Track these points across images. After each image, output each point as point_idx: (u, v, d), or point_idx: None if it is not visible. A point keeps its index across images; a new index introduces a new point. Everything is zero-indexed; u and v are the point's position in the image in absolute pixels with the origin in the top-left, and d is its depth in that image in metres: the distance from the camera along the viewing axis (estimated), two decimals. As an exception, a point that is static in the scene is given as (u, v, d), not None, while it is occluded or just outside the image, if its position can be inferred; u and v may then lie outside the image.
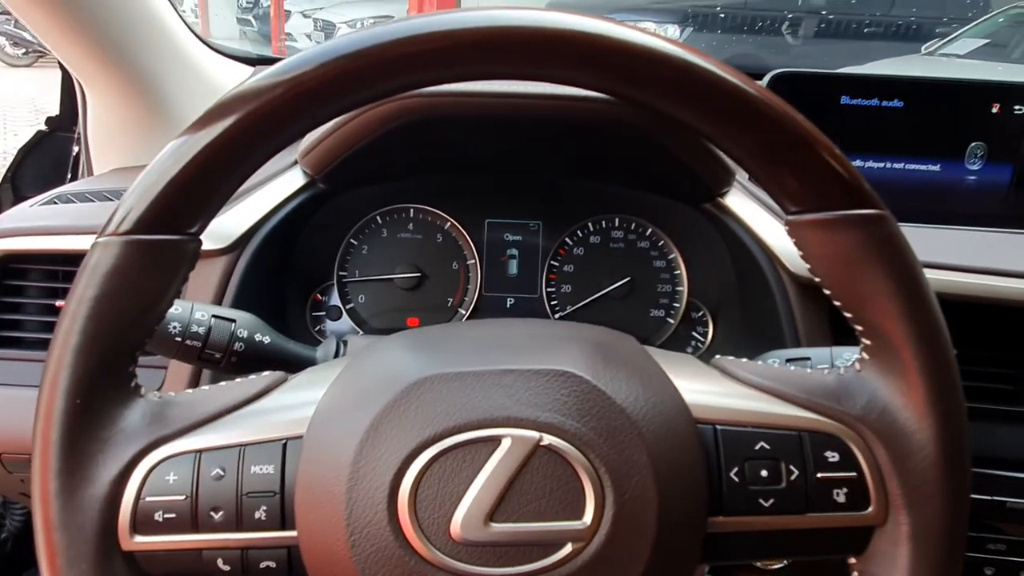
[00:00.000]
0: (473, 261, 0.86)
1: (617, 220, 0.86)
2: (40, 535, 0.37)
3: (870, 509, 0.41)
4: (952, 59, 4.26)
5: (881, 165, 0.81)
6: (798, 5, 5.28)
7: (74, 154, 1.10)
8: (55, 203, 0.83)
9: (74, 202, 0.83)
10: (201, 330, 0.57)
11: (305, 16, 7.02)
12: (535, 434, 0.38)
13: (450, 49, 0.37)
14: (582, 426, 0.38)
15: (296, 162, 0.78)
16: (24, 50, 7.03)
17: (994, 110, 0.78)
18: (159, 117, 0.99)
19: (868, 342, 0.41)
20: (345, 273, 0.86)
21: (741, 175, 0.78)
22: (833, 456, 0.41)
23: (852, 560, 0.42)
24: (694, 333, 0.86)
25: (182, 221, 0.39)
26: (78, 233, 0.74)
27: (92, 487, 0.37)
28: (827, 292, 0.42)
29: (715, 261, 0.83)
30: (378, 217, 0.86)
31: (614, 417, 0.39)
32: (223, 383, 0.43)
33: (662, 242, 0.86)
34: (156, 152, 0.38)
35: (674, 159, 0.71)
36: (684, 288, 0.85)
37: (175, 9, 0.99)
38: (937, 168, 0.80)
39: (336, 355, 0.63)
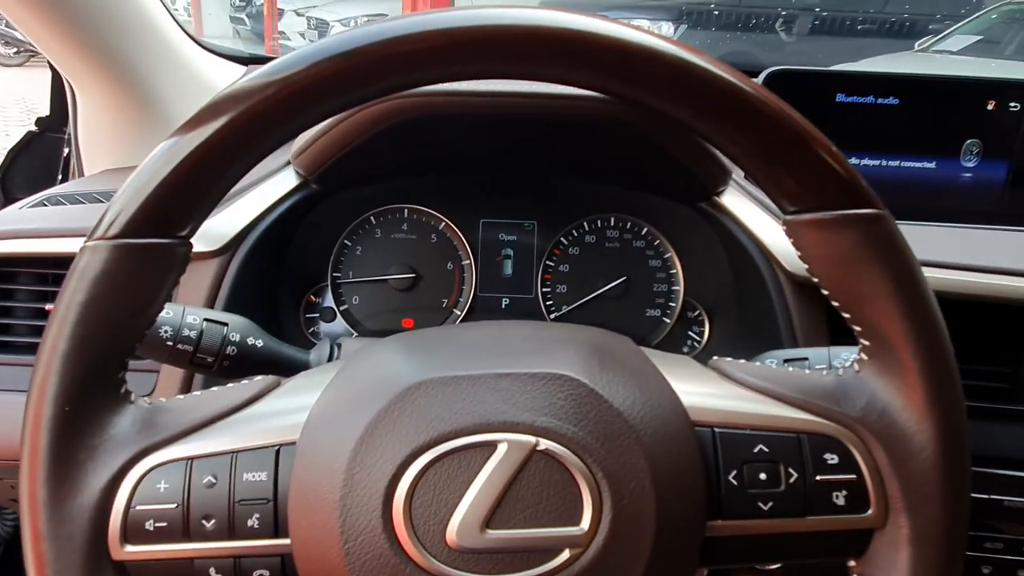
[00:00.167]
0: (468, 261, 0.86)
1: (612, 219, 0.86)
2: (28, 545, 0.37)
3: (870, 511, 0.40)
4: (945, 56, 4.27)
5: (877, 163, 0.81)
6: (792, 2, 5.29)
7: (64, 155, 1.09)
8: (45, 205, 0.82)
9: (64, 204, 0.82)
10: (193, 334, 0.56)
11: (298, 14, 7.00)
12: (531, 439, 0.37)
13: (444, 48, 0.37)
14: (579, 430, 0.38)
15: (289, 163, 0.77)
16: (16, 49, 6.99)
17: (989, 107, 0.77)
18: (150, 118, 0.98)
19: (867, 342, 0.41)
20: (339, 274, 0.85)
21: (737, 174, 0.77)
22: (832, 458, 0.41)
23: (852, 563, 0.42)
24: (690, 333, 0.86)
25: (172, 224, 0.38)
26: (68, 236, 0.73)
27: (81, 496, 0.37)
28: (825, 292, 0.42)
29: (711, 260, 0.82)
30: (372, 217, 0.85)
31: (611, 421, 0.38)
32: (215, 388, 0.43)
33: (658, 241, 0.86)
34: (147, 153, 0.38)
35: (670, 158, 0.71)
36: (680, 287, 0.85)
37: (166, 8, 0.98)
38: (933, 165, 0.80)
39: (330, 358, 0.62)
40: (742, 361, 0.46)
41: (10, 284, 0.77)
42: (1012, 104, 0.77)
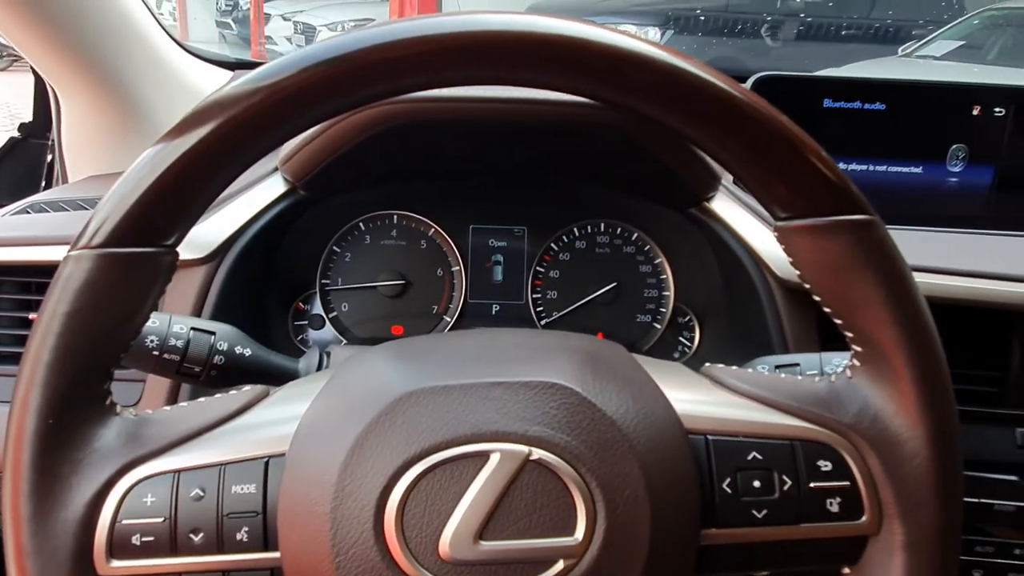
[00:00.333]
0: (458, 268, 0.86)
1: (603, 225, 0.86)
2: (12, 561, 0.36)
3: (863, 518, 0.40)
4: (929, 61, 4.32)
5: (864, 168, 0.81)
6: (777, 8, 5.33)
7: (48, 161, 1.08)
8: (28, 212, 0.81)
9: (48, 211, 0.81)
10: (179, 343, 0.55)
11: (285, 19, 6.98)
12: (524, 448, 0.37)
13: (432, 54, 0.36)
14: (572, 439, 0.37)
15: (276, 169, 0.76)
16: (-2, 53, 6.92)
17: (975, 112, 0.78)
18: (135, 123, 0.97)
19: (859, 349, 0.41)
20: (328, 281, 0.85)
21: (727, 179, 0.78)
22: (826, 465, 0.41)
23: (846, 570, 0.42)
24: (681, 338, 0.86)
25: (158, 233, 0.38)
26: (51, 244, 0.72)
27: (66, 510, 0.36)
28: (817, 298, 0.42)
29: (701, 266, 0.82)
30: (361, 224, 0.85)
31: (604, 430, 0.38)
32: (202, 399, 0.42)
33: (648, 247, 0.86)
34: (132, 159, 0.37)
35: (660, 164, 0.71)
36: (670, 293, 0.85)
37: (151, 12, 0.97)
38: (919, 170, 0.81)
39: (319, 367, 0.62)
40: (734, 368, 0.46)
41: None
42: (997, 109, 0.77)
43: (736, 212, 0.76)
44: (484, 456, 0.37)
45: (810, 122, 0.75)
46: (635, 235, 0.86)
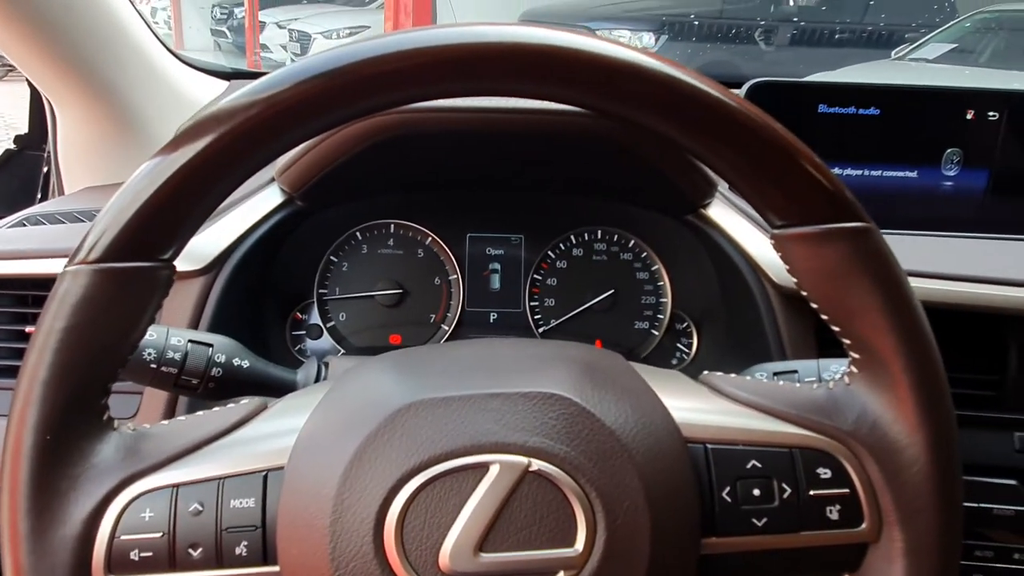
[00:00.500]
0: (455, 276, 0.86)
1: (599, 232, 0.86)
2: None
3: (863, 526, 0.40)
4: (921, 63, 4.34)
5: (859, 172, 0.81)
6: (771, 13, 5.36)
7: (44, 173, 1.08)
8: (24, 225, 0.81)
9: (44, 224, 0.81)
10: (177, 356, 0.55)
11: (280, 27, 6.99)
12: (524, 459, 0.37)
13: (428, 66, 0.36)
14: (571, 450, 0.37)
15: (273, 179, 0.76)
16: (-7, 64, 6.91)
17: (969, 116, 0.78)
18: (131, 134, 0.97)
19: (857, 355, 0.41)
20: (325, 291, 0.85)
21: (723, 186, 0.78)
22: (825, 472, 0.41)
23: None
24: (679, 345, 0.86)
25: (155, 247, 0.38)
26: (48, 257, 0.72)
27: (64, 527, 0.36)
28: (814, 305, 0.42)
29: (699, 272, 0.82)
30: (358, 233, 0.85)
31: (604, 440, 0.38)
32: (200, 413, 0.42)
33: (645, 254, 0.86)
34: (129, 170, 0.37)
35: (656, 171, 0.71)
36: (668, 300, 0.85)
37: (146, 23, 0.97)
38: (914, 175, 0.81)
39: (317, 378, 0.61)
40: (733, 375, 0.46)
41: None
42: (991, 113, 0.78)
43: (733, 219, 0.76)
44: (483, 467, 0.37)
45: (805, 127, 0.76)
46: (632, 242, 0.86)
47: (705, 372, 0.47)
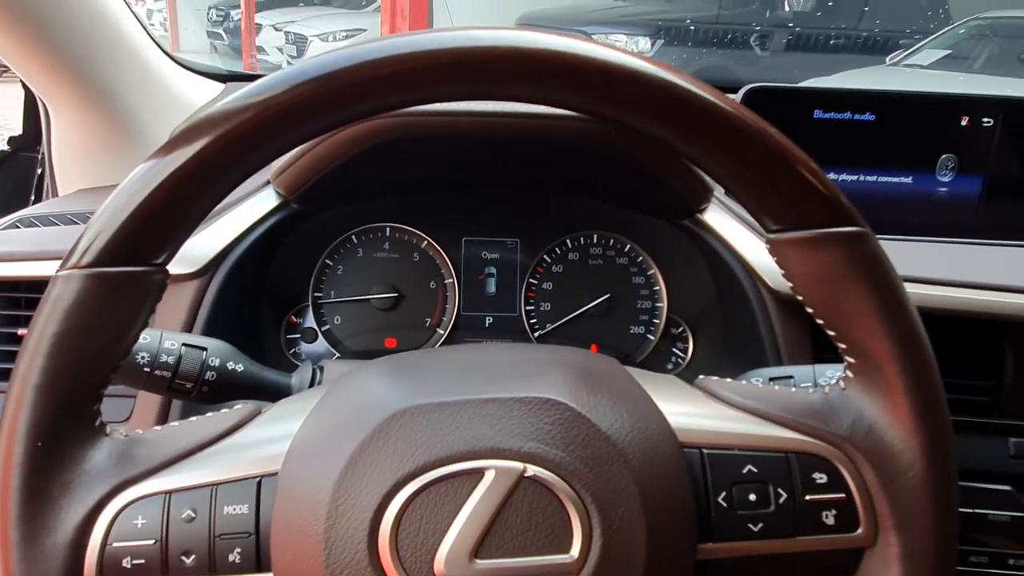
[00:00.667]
0: (450, 280, 0.85)
1: (595, 236, 0.86)
2: None
3: (859, 531, 0.40)
4: (916, 69, 4.36)
5: (854, 178, 0.81)
6: (767, 18, 5.38)
7: (38, 175, 1.07)
8: (17, 227, 0.80)
9: (38, 226, 0.80)
10: (171, 360, 0.55)
11: (276, 29, 6.98)
12: (519, 465, 0.37)
13: (423, 70, 0.36)
14: (567, 455, 0.37)
15: (268, 182, 0.76)
16: (-13, 65, 6.88)
17: (963, 123, 0.79)
18: (126, 136, 0.97)
19: (852, 360, 0.41)
20: (320, 294, 0.85)
21: (719, 191, 0.78)
22: (821, 477, 0.41)
23: None
24: (674, 349, 0.86)
25: (147, 252, 0.37)
26: (41, 259, 0.72)
27: (55, 534, 0.36)
28: (809, 310, 0.42)
29: (695, 277, 0.82)
30: (353, 237, 0.85)
31: (599, 445, 0.38)
32: (193, 418, 0.42)
33: (641, 258, 0.86)
34: (123, 172, 0.37)
35: (652, 176, 0.71)
36: (664, 304, 0.85)
37: (142, 25, 0.97)
38: (909, 180, 0.81)
39: (312, 382, 0.61)
40: (728, 380, 0.46)
41: None
42: (985, 120, 0.78)
43: (729, 224, 0.76)
44: (479, 473, 0.36)
45: (800, 133, 0.76)
46: (628, 246, 0.86)
47: (701, 376, 0.47)
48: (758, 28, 5.25)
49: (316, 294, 0.84)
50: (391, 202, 0.84)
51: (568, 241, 0.86)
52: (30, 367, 0.36)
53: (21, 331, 0.74)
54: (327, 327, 0.84)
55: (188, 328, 0.69)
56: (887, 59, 4.69)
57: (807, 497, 0.40)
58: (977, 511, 0.70)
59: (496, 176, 0.82)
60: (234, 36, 7.53)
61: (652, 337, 0.85)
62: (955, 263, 0.75)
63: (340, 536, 0.35)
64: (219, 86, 1.08)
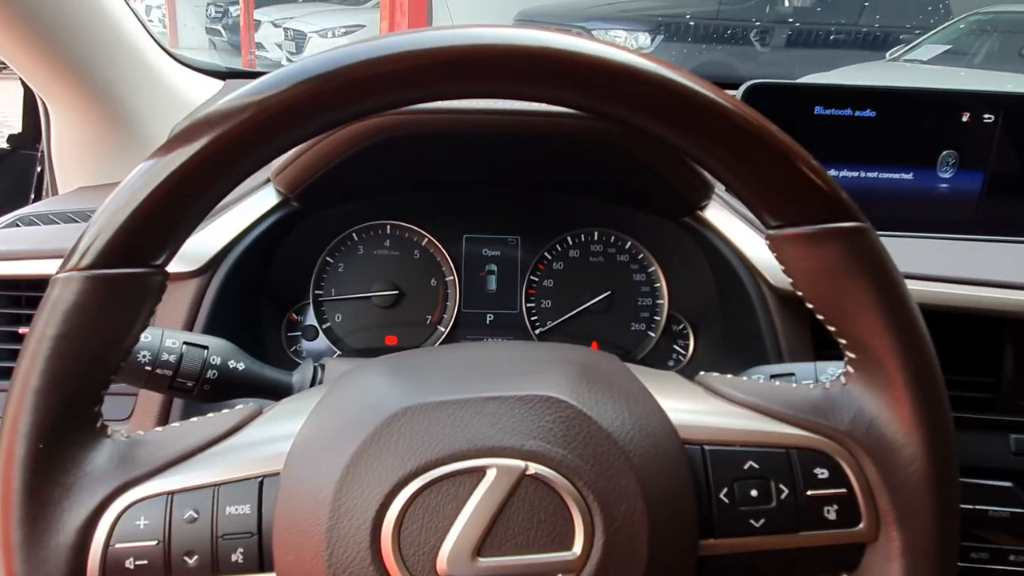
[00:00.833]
0: (451, 277, 0.85)
1: (596, 234, 0.86)
2: None
3: (861, 526, 0.40)
4: (916, 65, 4.36)
5: (855, 174, 0.81)
6: (767, 14, 5.37)
7: (38, 173, 1.07)
8: (17, 225, 0.80)
9: (38, 224, 0.80)
10: (172, 358, 0.55)
11: (275, 25, 6.96)
12: (520, 463, 0.37)
13: (422, 69, 0.36)
14: (568, 453, 0.37)
15: (269, 180, 0.76)
16: (-14, 62, 6.86)
17: (964, 119, 0.78)
18: (126, 134, 0.97)
19: (852, 355, 0.41)
20: (321, 292, 0.85)
21: (720, 188, 0.78)
22: (822, 473, 0.41)
23: None
24: (675, 346, 0.86)
25: (147, 253, 0.37)
26: (42, 257, 0.72)
27: (58, 536, 0.36)
28: (810, 306, 0.42)
29: (695, 274, 0.82)
30: (354, 234, 0.85)
31: (601, 442, 0.38)
32: (194, 419, 0.41)
33: (642, 255, 0.86)
34: (124, 170, 0.37)
35: (653, 173, 0.71)
36: (665, 301, 0.85)
37: (141, 22, 0.97)
38: (910, 177, 0.81)
39: (313, 380, 0.61)
40: (729, 376, 0.46)
41: None
42: (986, 116, 0.78)
43: (729, 221, 0.76)
44: (480, 472, 0.36)
45: (801, 129, 0.76)
46: (629, 243, 0.86)
47: (701, 373, 0.47)
48: (758, 24, 5.24)
49: (317, 292, 0.84)
50: (392, 200, 0.84)
51: (569, 238, 0.86)
52: (30, 370, 0.35)
53: (22, 329, 0.74)
54: (328, 325, 0.84)
55: (189, 327, 0.69)
56: (887, 54, 4.69)
57: (808, 492, 0.40)
58: (978, 507, 0.70)
59: (496, 174, 0.82)
60: (233, 32, 7.52)
61: (653, 334, 0.85)
62: (956, 260, 0.75)
63: (342, 535, 0.35)
64: (218, 83, 1.08)
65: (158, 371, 0.55)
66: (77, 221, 0.81)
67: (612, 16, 5.39)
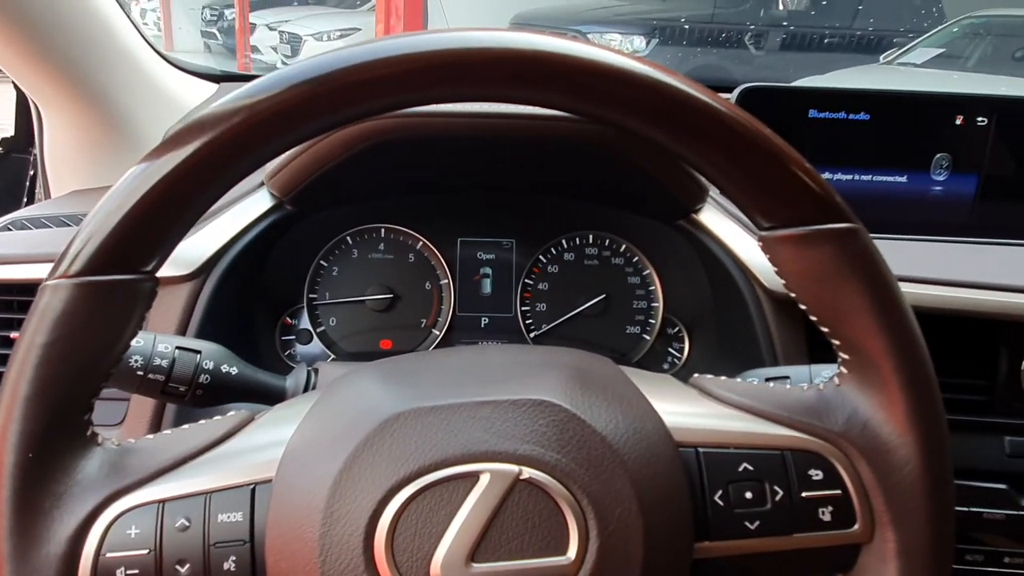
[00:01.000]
0: (446, 280, 0.85)
1: (591, 237, 0.86)
2: None
3: (856, 527, 0.40)
4: (910, 68, 4.38)
5: (849, 177, 0.82)
6: (761, 18, 5.39)
7: (30, 176, 1.07)
8: (10, 229, 0.80)
9: (30, 228, 0.80)
10: (164, 363, 0.55)
11: (271, 29, 6.96)
12: (514, 468, 0.37)
13: (416, 72, 0.36)
14: (562, 457, 0.37)
15: (262, 184, 0.76)
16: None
17: (958, 122, 0.79)
18: (119, 137, 0.96)
19: (846, 357, 0.41)
20: (315, 295, 0.84)
21: (715, 191, 0.78)
22: (817, 474, 0.41)
23: None
24: (670, 349, 0.86)
25: (136, 259, 0.37)
26: (34, 262, 0.71)
27: (48, 546, 0.35)
28: (803, 308, 0.42)
29: (690, 277, 0.82)
30: (348, 238, 0.85)
31: (595, 446, 0.38)
32: (186, 426, 0.41)
33: (636, 258, 0.86)
34: (117, 174, 0.36)
35: (647, 176, 0.71)
36: (659, 304, 0.85)
37: (134, 26, 0.97)
38: (904, 179, 0.81)
39: (307, 385, 0.61)
40: (723, 378, 0.46)
41: None
42: (980, 119, 0.78)
43: (724, 223, 0.76)
44: (474, 477, 0.36)
45: (795, 132, 0.76)
46: (623, 247, 0.86)
47: (695, 375, 0.47)
48: (752, 27, 5.27)
49: (311, 295, 0.84)
50: (386, 203, 0.84)
51: (564, 241, 0.86)
52: (19, 378, 0.35)
53: (14, 334, 0.74)
54: (322, 328, 0.84)
55: (182, 331, 0.68)
56: (881, 58, 4.71)
57: (803, 494, 0.40)
58: (973, 509, 0.70)
59: (491, 177, 0.82)
60: (228, 36, 7.51)
61: (648, 337, 0.85)
62: (950, 263, 0.75)
63: (336, 542, 0.35)
64: (213, 86, 1.08)
65: (150, 376, 0.54)
66: (70, 225, 0.80)
67: (607, 19, 5.40)
